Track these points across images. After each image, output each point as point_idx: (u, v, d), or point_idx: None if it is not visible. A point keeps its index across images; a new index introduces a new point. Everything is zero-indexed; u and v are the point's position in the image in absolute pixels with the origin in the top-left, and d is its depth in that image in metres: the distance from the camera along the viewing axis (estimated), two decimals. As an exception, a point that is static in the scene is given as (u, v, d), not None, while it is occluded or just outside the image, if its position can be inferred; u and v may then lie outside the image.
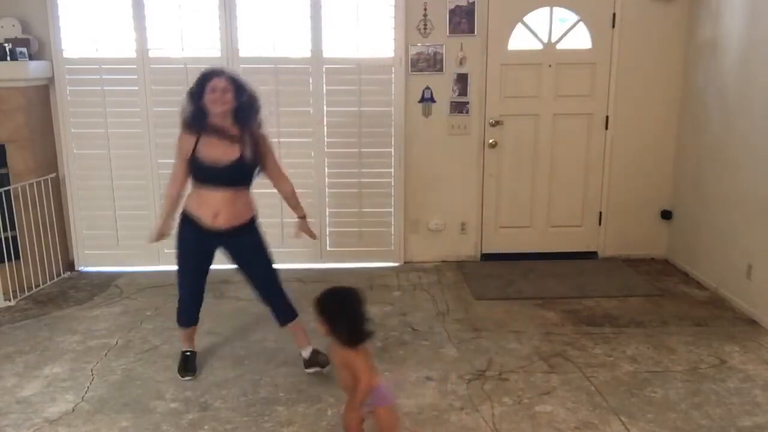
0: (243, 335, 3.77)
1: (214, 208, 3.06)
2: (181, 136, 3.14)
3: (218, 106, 2.99)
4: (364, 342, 2.47)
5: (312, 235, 3.38)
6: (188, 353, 3.39)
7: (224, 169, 3.02)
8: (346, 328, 2.44)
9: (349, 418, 2.53)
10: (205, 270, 3.28)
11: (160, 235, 3.26)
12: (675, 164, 4.94)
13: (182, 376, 3.29)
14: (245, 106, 3.05)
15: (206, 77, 3.01)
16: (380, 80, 4.76)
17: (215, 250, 3.22)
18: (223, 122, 3.04)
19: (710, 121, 4.46)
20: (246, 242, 3.18)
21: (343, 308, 2.48)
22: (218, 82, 2.98)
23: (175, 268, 3.27)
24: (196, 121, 3.05)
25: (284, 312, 3.29)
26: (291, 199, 3.34)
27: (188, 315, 3.35)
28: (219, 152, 3.03)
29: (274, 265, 3.27)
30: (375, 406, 2.47)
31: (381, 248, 5.01)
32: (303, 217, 3.36)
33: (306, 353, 3.31)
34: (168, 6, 4.61)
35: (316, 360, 3.28)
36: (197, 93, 3.01)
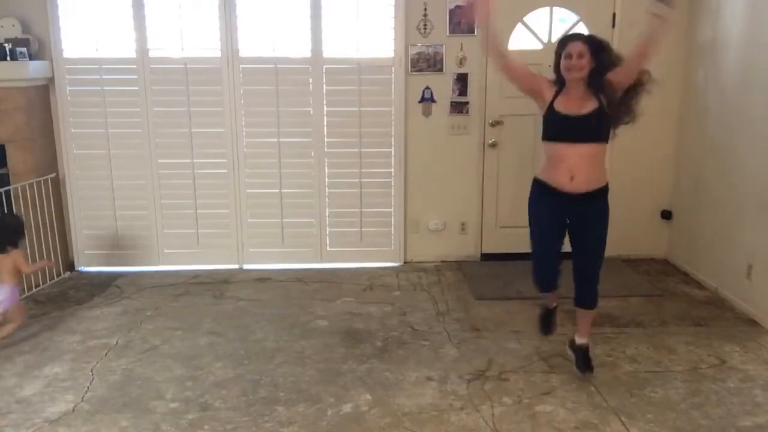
0: (243, 335, 3.77)
1: (571, 168, 2.96)
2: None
3: (574, 73, 2.95)
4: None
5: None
6: (548, 308, 3.42)
7: (582, 119, 2.94)
8: None
9: None
10: (560, 240, 3.16)
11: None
12: (675, 164, 4.94)
13: (543, 333, 3.47)
14: (601, 69, 2.97)
15: (564, 42, 3.02)
16: (380, 80, 4.76)
17: (568, 219, 3.10)
18: (578, 85, 2.98)
19: (710, 121, 4.46)
20: (598, 210, 3.06)
21: None
22: (574, 47, 2.95)
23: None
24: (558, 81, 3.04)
25: (587, 297, 3.21)
26: (652, 38, 3.01)
27: (547, 285, 3.28)
28: (576, 105, 2.97)
29: (603, 251, 3.16)
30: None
31: (381, 248, 5.01)
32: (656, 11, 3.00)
33: (580, 341, 3.26)
34: (168, 6, 4.60)
35: (582, 355, 3.24)
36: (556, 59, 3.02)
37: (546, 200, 3.10)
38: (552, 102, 3.03)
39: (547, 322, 3.50)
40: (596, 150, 3.00)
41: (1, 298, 3.61)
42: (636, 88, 3.05)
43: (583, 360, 3.23)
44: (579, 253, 3.16)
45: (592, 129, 2.96)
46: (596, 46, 2.98)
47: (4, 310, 3.62)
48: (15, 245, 3.72)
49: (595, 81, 2.97)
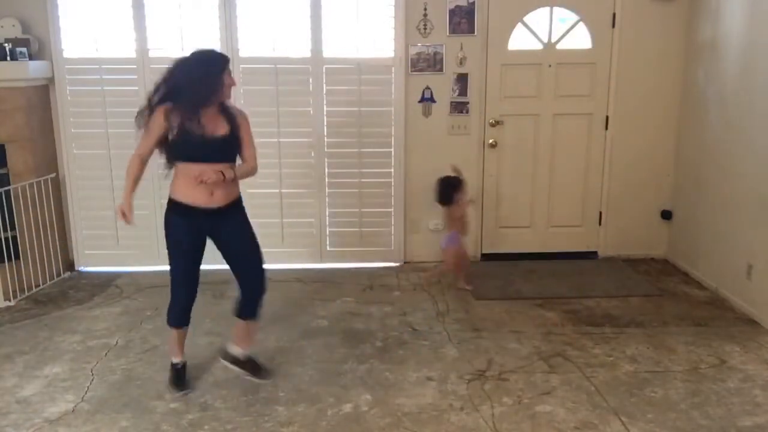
0: (243, 335, 3.76)
1: (209, 186, 2.99)
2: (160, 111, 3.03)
3: (230, 93, 3.05)
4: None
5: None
6: (179, 365, 3.22)
7: (216, 141, 2.99)
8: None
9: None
10: (199, 259, 3.17)
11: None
12: (675, 164, 4.94)
13: (176, 391, 3.14)
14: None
15: (226, 61, 3.05)
16: (380, 80, 4.76)
17: (206, 237, 3.15)
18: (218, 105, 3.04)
19: (710, 121, 4.46)
20: (238, 219, 3.17)
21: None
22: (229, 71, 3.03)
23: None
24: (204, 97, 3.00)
25: (249, 307, 3.21)
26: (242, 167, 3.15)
27: (180, 313, 3.17)
28: (211, 127, 2.99)
29: (261, 253, 3.21)
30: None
31: (381, 248, 5.01)
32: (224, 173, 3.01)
33: (236, 352, 3.22)
34: (168, 6, 4.61)
35: (240, 362, 3.21)
36: (216, 72, 3.00)
37: (184, 220, 3.11)
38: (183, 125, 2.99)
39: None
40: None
41: (444, 243, 4.43)
42: None
43: (242, 361, 3.22)
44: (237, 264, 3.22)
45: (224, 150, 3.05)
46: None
47: (445, 252, 4.48)
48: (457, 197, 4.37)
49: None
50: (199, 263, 3.20)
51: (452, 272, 4.53)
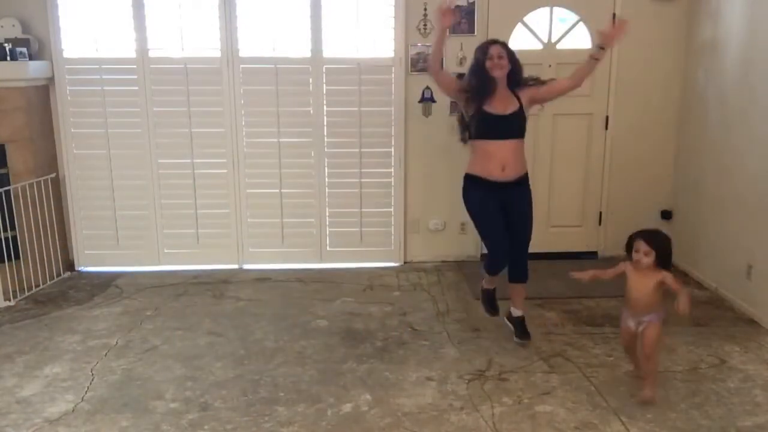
0: (243, 335, 3.77)
1: (502, 160, 3.37)
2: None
3: (496, 71, 3.35)
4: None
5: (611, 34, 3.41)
6: (490, 290, 3.72)
7: (509, 117, 3.36)
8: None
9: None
10: (504, 226, 3.47)
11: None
12: (675, 164, 4.94)
13: (489, 313, 3.73)
14: (517, 69, 3.43)
15: (483, 46, 3.43)
16: (380, 80, 4.76)
17: (502, 205, 3.46)
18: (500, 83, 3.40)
19: (710, 121, 4.46)
20: (524, 194, 3.51)
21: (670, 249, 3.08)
22: (494, 49, 3.36)
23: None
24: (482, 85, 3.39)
25: (519, 272, 3.59)
26: (579, 76, 3.43)
27: (498, 265, 3.55)
28: (503, 106, 3.37)
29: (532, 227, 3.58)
30: (649, 322, 2.99)
31: (381, 248, 5.01)
32: (596, 54, 3.38)
33: (516, 313, 3.64)
34: (168, 6, 4.60)
35: (520, 325, 3.62)
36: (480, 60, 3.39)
37: (483, 191, 3.46)
38: (481, 106, 3.39)
39: (493, 302, 3.78)
40: (519, 144, 3.46)
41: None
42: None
43: (521, 325, 3.62)
44: (513, 233, 3.52)
45: (515, 127, 3.42)
46: (511, 52, 3.43)
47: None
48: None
49: (514, 82, 3.43)
50: (505, 225, 3.51)
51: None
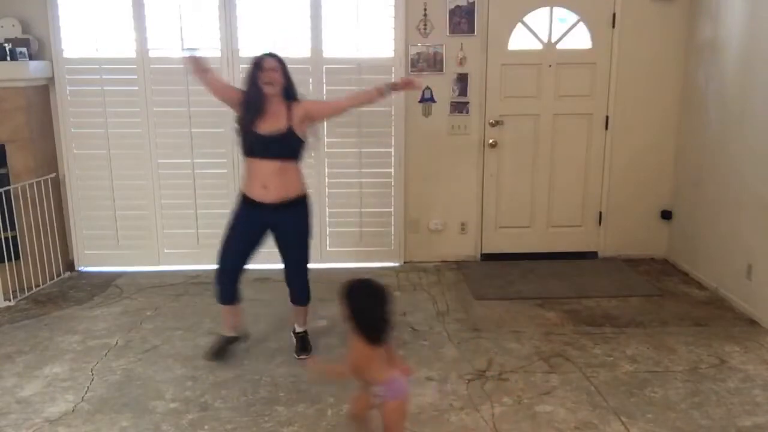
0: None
1: (263, 179, 3.20)
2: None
3: (269, 87, 3.22)
4: (382, 342, 2.38)
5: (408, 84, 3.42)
6: (227, 338, 3.53)
7: (271, 137, 3.18)
8: (367, 325, 2.35)
9: (357, 404, 2.56)
10: (248, 249, 3.37)
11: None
12: (675, 164, 4.94)
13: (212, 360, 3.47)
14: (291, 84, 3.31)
15: (258, 59, 3.30)
16: (380, 80, 4.74)
17: (264, 231, 3.35)
18: (273, 98, 3.24)
19: (710, 121, 4.46)
20: (294, 216, 3.34)
21: (368, 304, 2.37)
22: (268, 62, 3.25)
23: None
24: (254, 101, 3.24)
25: (296, 295, 3.54)
26: (358, 100, 3.46)
27: (220, 284, 3.47)
28: (268, 125, 3.20)
29: (309, 252, 3.49)
30: (386, 399, 2.38)
31: (381, 248, 5.01)
32: (382, 89, 3.35)
33: (298, 329, 3.58)
34: (168, 6, 4.60)
35: (301, 341, 3.56)
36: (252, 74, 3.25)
37: (246, 209, 3.32)
38: (249, 123, 3.22)
39: (222, 352, 3.52)
40: (286, 165, 3.25)
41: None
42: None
43: (301, 345, 3.55)
44: (283, 255, 3.45)
45: (277, 148, 3.21)
46: (285, 66, 3.30)
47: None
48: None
49: (290, 97, 3.27)
50: (250, 252, 3.46)
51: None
